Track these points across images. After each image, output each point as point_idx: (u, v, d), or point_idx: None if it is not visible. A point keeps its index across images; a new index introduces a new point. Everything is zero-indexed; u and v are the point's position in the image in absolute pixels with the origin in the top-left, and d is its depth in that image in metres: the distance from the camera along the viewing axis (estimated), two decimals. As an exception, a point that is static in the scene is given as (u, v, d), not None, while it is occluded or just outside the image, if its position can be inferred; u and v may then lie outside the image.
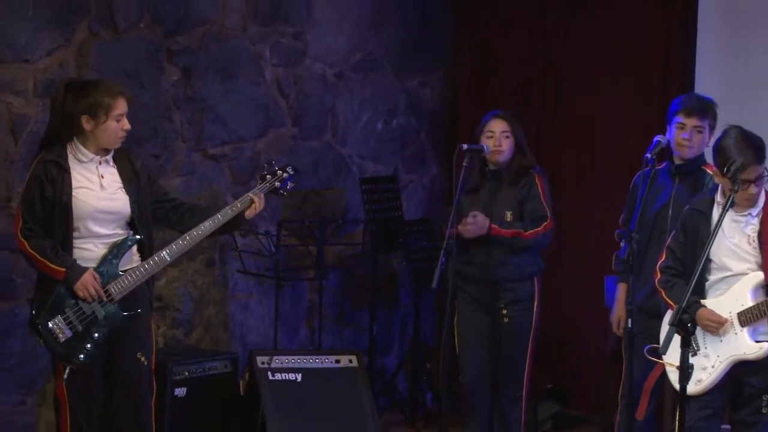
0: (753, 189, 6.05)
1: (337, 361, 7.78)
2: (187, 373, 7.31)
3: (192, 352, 7.72)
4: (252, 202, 6.34)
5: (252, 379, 7.54)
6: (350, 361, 7.82)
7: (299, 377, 7.61)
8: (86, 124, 6.11)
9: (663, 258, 6.36)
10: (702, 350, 6.11)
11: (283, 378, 7.58)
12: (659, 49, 9.00)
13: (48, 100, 6.84)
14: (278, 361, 7.61)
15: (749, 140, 6.07)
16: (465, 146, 7.15)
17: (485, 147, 7.18)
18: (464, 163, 7.13)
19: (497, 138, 7.19)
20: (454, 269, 7.13)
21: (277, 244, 8.19)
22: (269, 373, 7.53)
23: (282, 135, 8.51)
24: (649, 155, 6.96)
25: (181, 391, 7.21)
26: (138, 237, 6.28)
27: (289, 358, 7.70)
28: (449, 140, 9.29)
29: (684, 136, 6.89)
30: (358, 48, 8.99)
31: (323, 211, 8.69)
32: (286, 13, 8.49)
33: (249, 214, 6.39)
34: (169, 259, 6.33)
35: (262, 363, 7.54)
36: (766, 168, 6.14)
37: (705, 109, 6.98)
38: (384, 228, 8.80)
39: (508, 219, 7.23)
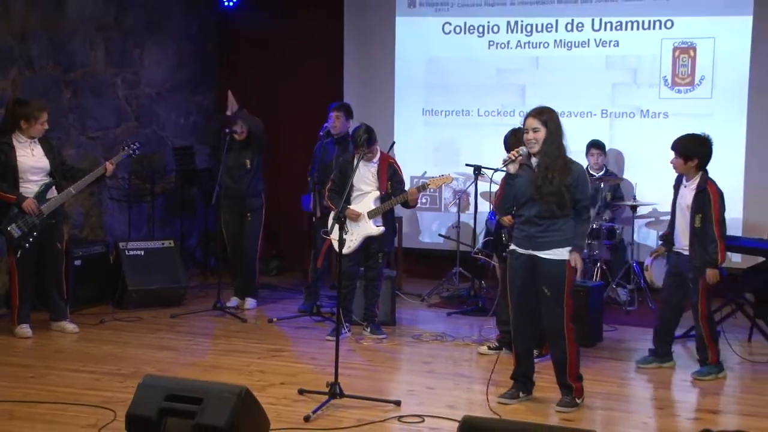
0: (373, 151, 6.31)
1: (163, 244, 7.63)
2: (81, 252, 7.15)
3: (84, 241, 7.61)
4: (105, 168, 6.39)
5: (117, 255, 7.38)
6: (171, 243, 7.66)
7: (143, 253, 7.45)
8: (24, 125, 6.15)
9: (329, 184, 6.50)
10: (350, 231, 6.26)
11: (134, 254, 7.42)
12: (325, 75, 9.03)
13: (-3, 110, 6.87)
14: (131, 245, 7.47)
15: (368, 129, 6.24)
16: (227, 130, 7.13)
17: (236, 130, 7.13)
18: (227, 138, 7.08)
19: (240, 125, 7.16)
20: (223, 193, 7.12)
21: (129, 183, 8.20)
22: (126, 251, 7.37)
23: (129, 126, 8.44)
24: (321, 133, 7.22)
25: (78, 262, 7.08)
26: (55, 180, 6.31)
27: (137, 243, 7.57)
28: (218, 127, 9.18)
29: (331, 122, 7.10)
30: (169, 79, 8.95)
31: (153, 165, 8.62)
32: (129, 62, 8.41)
33: (107, 174, 6.45)
34: (74, 192, 6.40)
35: (122, 246, 7.40)
36: (378, 147, 6.37)
37: (339, 107, 7.16)
38: (186, 174, 8.84)
39: (248, 165, 7.17)
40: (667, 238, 5.78)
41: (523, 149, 4.82)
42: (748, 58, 7.79)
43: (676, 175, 5.70)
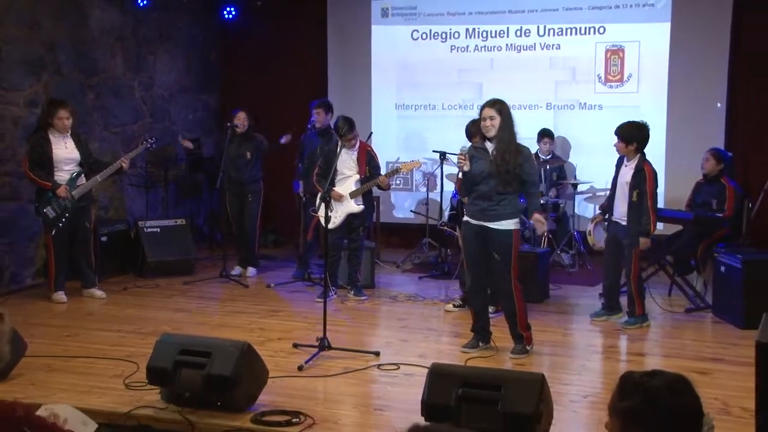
0: (354, 136, 6.23)
1: (176, 222, 7.55)
2: (107, 230, 7.14)
3: (109, 220, 7.56)
4: (122, 163, 6.35)
5: (137, 232, 7.34)
6: (182, 221, 7.59)
7: (159, 230, 7.39)
8: (56, 122, 6.10)
9: (317, 170, 6.41)
10: (334, 209, 6.20)
11: (151, 231, 7.36)
12: (312, 76, 8.94)
13: (31, 109, 6.76)
14: (149, 223, 7.41)
15: (346, 119, 6.20)
16: (229, 124, 7.08)
17: (238, 124, 7.12)
18: (228, 132, 7.04)
19: (242, 120, 7.15)
20: (226, 179, 7.06)
21: (146, 171, 8.11)
22: (145, 228, 7.32)
23: (145, 122, 8.32)
24: (309, 126, 7.23)
25: (104, 238, 7.06)
26: (84, 170, 6.28)
27: (154, 222, 7.47)
28: (221, 122, 8.89)
29: (314, 118, 7.01)
30: (179, 82, 8.84)
31: (166, 156, 8.50)
32: (144, 67, 8.29)
33: (124, 168, 6.42)
34: (100, 180, 6.37)
35: (141, 224, 7.35)
36: (357, 135, 6.27)
37: (320, 105, 7.04)
38: (194, 162, 8.73)
39: (248, 156, 7.11)
40: (605, 209, 5.85)
41: (464, 147, 4.85)
42: (667, 58, 7.84)
43: (617, 157, 5.74)
